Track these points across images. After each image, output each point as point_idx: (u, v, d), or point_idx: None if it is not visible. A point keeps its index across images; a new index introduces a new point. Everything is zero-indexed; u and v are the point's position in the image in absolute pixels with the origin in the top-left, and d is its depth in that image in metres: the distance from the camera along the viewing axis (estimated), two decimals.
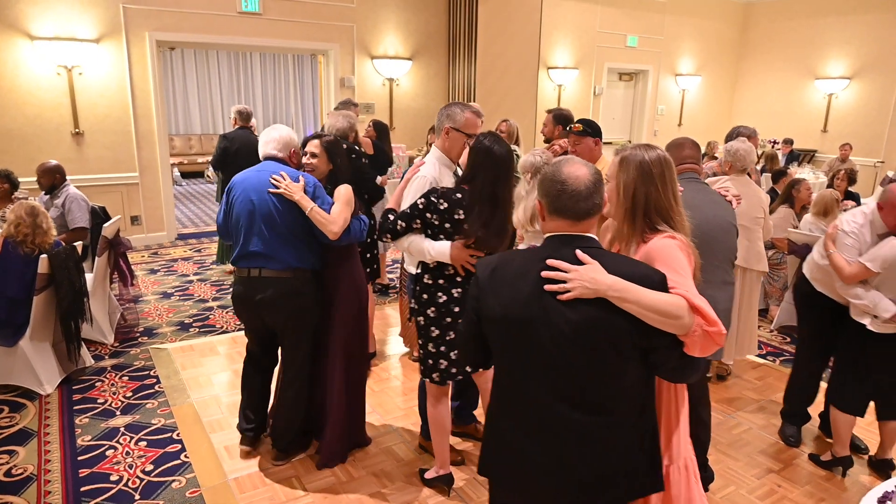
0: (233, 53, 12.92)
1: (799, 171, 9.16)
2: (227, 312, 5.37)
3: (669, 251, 1.70)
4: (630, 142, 11.18)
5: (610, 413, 1.62)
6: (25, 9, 6.30)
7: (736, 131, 4.29)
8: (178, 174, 12.20)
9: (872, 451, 3.42)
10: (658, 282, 1.57)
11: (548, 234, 1.66)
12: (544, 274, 1.55)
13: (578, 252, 1.57)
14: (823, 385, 3.58)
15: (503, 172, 2.64)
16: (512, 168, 2.70)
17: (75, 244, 4.12)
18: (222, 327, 5.05)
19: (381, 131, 5.62)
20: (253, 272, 2.98)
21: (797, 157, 9.96)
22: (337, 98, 8.27)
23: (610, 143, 10.71)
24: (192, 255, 7.17)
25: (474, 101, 8.52)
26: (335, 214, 2.91)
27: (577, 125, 3.59)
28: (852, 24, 10.36)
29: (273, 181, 2.92)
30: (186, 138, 12.66)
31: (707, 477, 3.14)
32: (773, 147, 9.52)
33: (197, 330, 4.98)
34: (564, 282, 1.53)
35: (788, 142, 10.12)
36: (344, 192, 3.01)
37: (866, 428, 3.61)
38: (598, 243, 1.64)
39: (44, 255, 3.79)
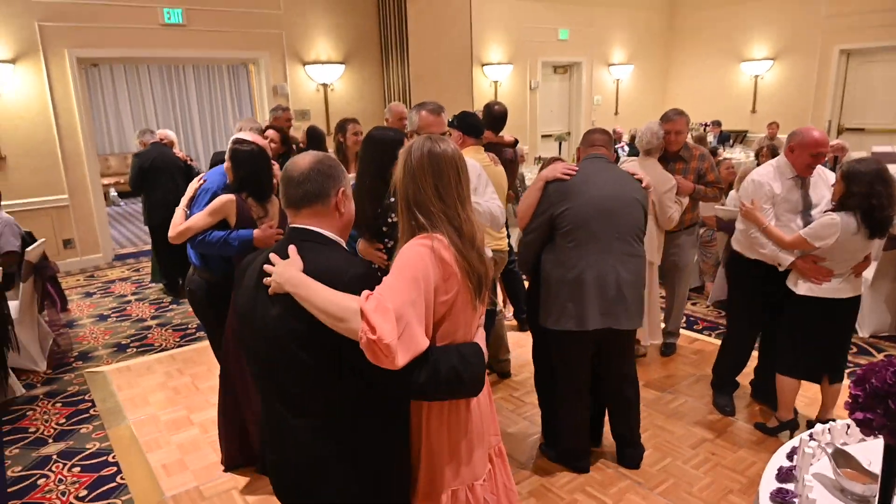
0: (164, 67, 12.63)
1: (730, 151, 9.49)
2: (165, 330, 5.25)
3: (403, 255, 1.58)
4: (569, 134, 11.39)
5: (315, 415, 1.58)
6: None
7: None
8: (116, 194, 11.87)
9: (804, 411, 3.56)
10: (347, 280, 1.49)
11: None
12: (265, 267, 1.56)
13: (291, 246, 1.56)
14: (754, 354, 3.72)
15: (383, 162, 2.49)
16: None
17: None
18: (161, 345, 4.94)
19: (312, 138, 5.55)
20: None
21: (727, 137, 10.31)
22: (270, 106, 8.17)
23: (550, 135, 10.89)
24: (131, 275, 6.99)
25: (410, 101, 8.54)
26: (188, 221, 2.99)
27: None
28: (771, 7, 10.79)
29: None
30: (123, 157, 12.31)
31: (637, 454, 3.22)
32: (704, 130, 9.82)
33: (134, 350, 4.86)
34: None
35: (717, 123, 10.47)
36: (215, 202, 2.97)
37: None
38: (318, 237, 1.60)
39: None
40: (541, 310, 2.95)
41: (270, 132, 5.47)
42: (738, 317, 3.70)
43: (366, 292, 1.44)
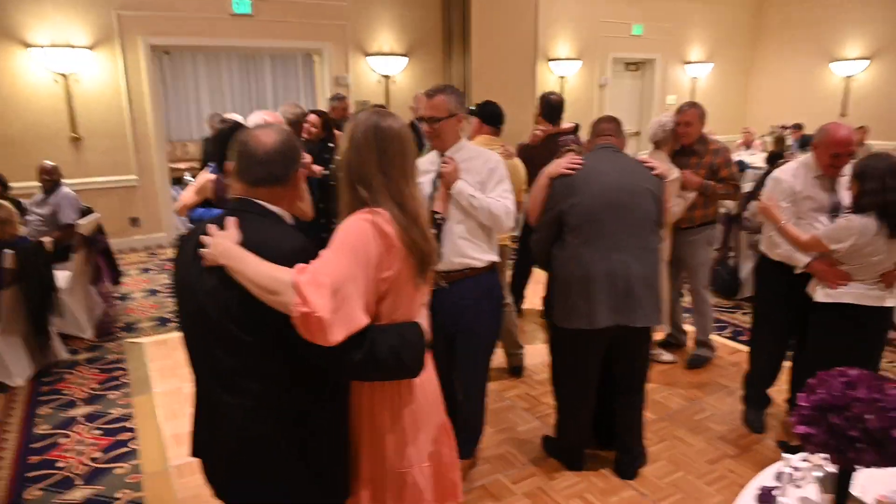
0: (242, 56, 13.12)
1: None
2: None
3: (343, 229, 1.53)
4: (638, 133, 10.98)
5: (249, 393, 1.52)
6: (21, 18, 6.50)
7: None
8: (191, 178, 12.45)
9: None
10: (284, 253, 1.44)
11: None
12: (202, 238, 1.51)
13: (228, 218, 1.51)
14: (786, 364, 3.42)
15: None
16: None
17: (43, 240, 4.23)
18: None
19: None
20: None
21: (809, 140, 9.62)
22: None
23: None
24: None
25: (471, 95, 8.48)
26: (182, 196, 3.09)
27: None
28: (868, 3, 9.97)
29: None
30: (200, 143, 12.91)
31: (632, 464, 3.05)
32: (783, 132, 9.21)
33: (175, 325, 5.06)
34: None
35: (798, 126, 9.78)
36: (197, 179, 3.08)
37: None
38: (261, 209, 1.55)
39: (10, 251, 3.89)
40: (552, 307, 2.87)
41: (312, 117, 5.63)
42: (762, 325, 3.42)
43: (300, 265, 1.39)
